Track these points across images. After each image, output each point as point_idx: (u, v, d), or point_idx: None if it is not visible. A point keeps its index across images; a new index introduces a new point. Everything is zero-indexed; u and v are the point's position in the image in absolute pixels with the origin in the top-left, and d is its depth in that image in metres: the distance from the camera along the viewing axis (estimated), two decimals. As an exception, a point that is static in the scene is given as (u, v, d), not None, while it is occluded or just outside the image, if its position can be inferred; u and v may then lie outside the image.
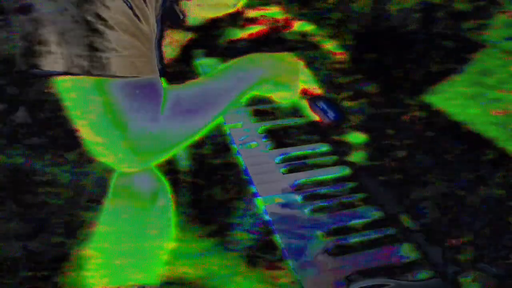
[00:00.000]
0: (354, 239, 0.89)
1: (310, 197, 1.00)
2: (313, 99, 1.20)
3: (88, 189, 1.01)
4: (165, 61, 1.06)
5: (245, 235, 1.36)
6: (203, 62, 1.45)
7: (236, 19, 1.48)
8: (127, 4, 0.79)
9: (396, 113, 1.16)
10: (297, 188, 1.03)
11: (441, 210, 0.91)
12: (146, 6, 0.82)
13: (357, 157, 1.09)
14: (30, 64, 0.78)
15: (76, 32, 0.77)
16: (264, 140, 1.19)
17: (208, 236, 1.41)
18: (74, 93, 0.81)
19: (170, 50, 1.21)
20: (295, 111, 1.28)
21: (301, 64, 1.14)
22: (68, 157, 1.07)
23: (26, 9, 0.77)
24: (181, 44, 1.25)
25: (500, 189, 0.91)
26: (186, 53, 1.33)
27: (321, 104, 1.20)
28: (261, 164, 1.10)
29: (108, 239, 0.99)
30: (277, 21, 1.50)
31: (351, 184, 1.04)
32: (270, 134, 1.21)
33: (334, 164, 1.11)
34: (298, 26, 1.48)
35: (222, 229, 1.42)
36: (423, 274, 0.82)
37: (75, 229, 0.96)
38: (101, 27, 0.77)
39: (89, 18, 0.76)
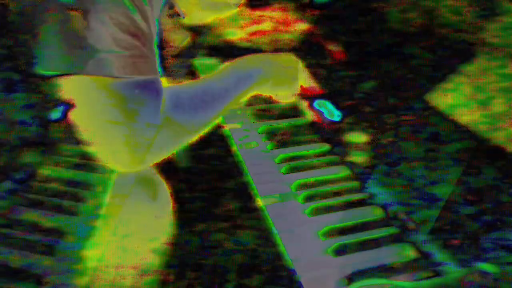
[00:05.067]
0: (354, 239, 0.89)
1: (310, 197, 1.00)
2: (312, 99, 1.20)
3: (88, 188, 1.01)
4: (165, 61, 1.06)
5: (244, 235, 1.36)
6: (203, 62, 1.45)
7: (236, 19, 1.48)
8: (127, 5, 0.79)
9: (395, 113, 1.16)
10: (297, 188, 1.03)
11: (441, 210, 0.91)
12: (147, 6, 0.82)
13: (357, 157, 1.09)
14: (35, 65, 0.79)
15: (77, 33, 0.77)
16: (264, 140, 1.19)
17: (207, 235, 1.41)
18: (75, 93, 0.81)
19: (170, 50, 1.21)
20: (295, 111, 1.28)
21: (300, 64, 1.14)
22: (68, 156, 1.07)
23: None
24: (181, 44, 1.25)
25: (500, 189, 0.91)
26: (186, 53, 1.33)
27: (321, 104, 1.20)
28: (261, 164, 1.10)
29: (108, 238, 0.99)
30: (277, 21, 1.50)
31: (350, 184, 1.04)
32: (270, 134, 1.21)
33: (334, 164, 1.11)
34: (298, 26, 1.48)
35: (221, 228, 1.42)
36: (423, 274, 0.82)
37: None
38: (102, 27, 0.77)
39: (90, 19, 0.76)
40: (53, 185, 1.01)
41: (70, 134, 1.03)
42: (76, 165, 1.06)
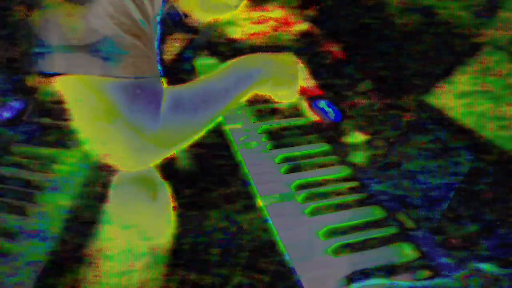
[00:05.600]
0: (354, 239, 0.89)
1: (310, 197, 1.00)
2: (312, 99, 1.20)
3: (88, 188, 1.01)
4: (166, 61, 1.06)
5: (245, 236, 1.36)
6: (203, 62, 1.45)
7: (236, 19, 1.48)
8: (128, 5, 0.79)
9: (395, 113, 1.16)
10: (297, 188, 1.03)
11: (441, 210, 0.91)
12: (147, 6, 0.82)
13: (357, 157, 1.09)
14: (34, 64, 0.78)
15: (77, 33, 0.77)
16: (264, 140, 1.19)
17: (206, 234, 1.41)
18: (75, 93, 0.81)
19: (171, 50, 1.21)
20: (295, 111, 1.28)
21: (300, 64, 1.14)
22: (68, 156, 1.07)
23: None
24: (181, 44, 1.25)
25: (500, 189, 0.91)
26: (186, 53, 1.33)
27: (321, 104, 1.20)
28: (261, 164, 1.10)
29: (109, 238, 0.99)
30: (277, 21, 1.50)
31: (350, 184, 1.04)
32: (270, 134, 1.21)
33: (334, 164, 1.11)
34: (298, 26, 1.48)
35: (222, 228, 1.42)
36: (423, 274, 0.82)
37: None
38: (102, 27, 0.77)
39: (90, 19, 0.76)
40: (5, 185, 0.99)
41: (23, 133, 1.02)
42: (28, 166, 1.05)
